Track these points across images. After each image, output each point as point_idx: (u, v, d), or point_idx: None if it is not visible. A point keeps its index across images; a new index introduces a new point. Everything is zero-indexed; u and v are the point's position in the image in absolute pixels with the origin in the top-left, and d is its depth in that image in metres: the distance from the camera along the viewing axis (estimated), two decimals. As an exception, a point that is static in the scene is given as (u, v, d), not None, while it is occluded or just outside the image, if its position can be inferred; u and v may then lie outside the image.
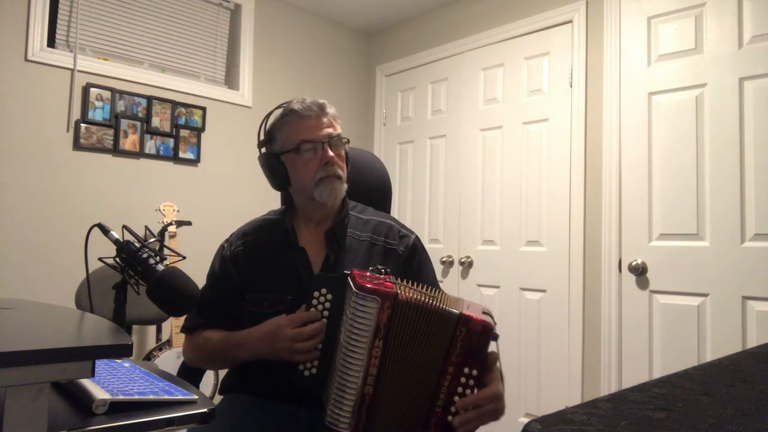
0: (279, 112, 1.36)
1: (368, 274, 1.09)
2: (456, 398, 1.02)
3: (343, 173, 1.32)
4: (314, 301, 1.12)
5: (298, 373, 1.12)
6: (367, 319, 1.01)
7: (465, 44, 3.22)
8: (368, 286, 1.03)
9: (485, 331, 1.03)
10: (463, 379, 1.02)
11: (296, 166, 1.31)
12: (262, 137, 1.38)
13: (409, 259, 1.35)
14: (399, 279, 1.11)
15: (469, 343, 1.02)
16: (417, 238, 1.41)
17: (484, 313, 1.08)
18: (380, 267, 1.13)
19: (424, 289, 1.09)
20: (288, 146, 1.31)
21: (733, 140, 2.19)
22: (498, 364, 1.08)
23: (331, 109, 1.35)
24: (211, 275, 1.37)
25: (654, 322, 2.36)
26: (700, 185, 2.27)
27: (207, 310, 1.32)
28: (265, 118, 1.39)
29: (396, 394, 1.03)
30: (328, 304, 1.11)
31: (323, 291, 1.12)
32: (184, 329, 1.34)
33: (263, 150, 1.37)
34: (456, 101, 3.26)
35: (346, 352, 1.02)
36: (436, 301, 1.05)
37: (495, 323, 1.06)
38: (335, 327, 1.09)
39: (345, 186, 1.33)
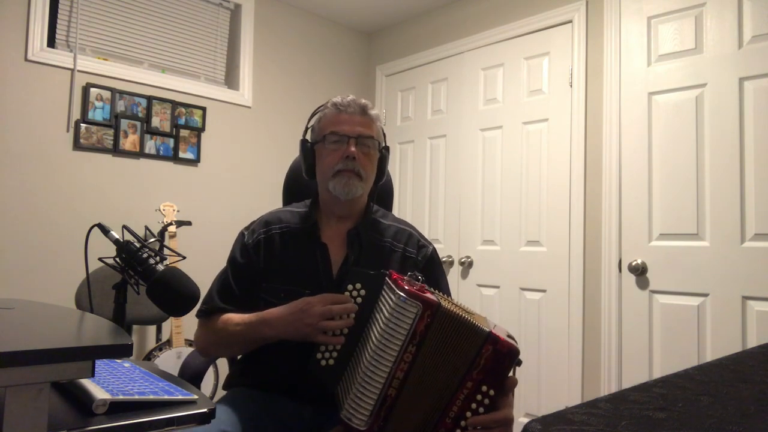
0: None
1: (406, 278, 1.07)
2: (468, 413, 1.02)
3: (364, 172, 1.30)
4: (346, 293, 1.12)
5: (315, 361, 1.11)
6: (405, 323, 1.00)
7: (465, 44, 3.22)
8: (412, 290, 1.01)
9: (511, 354, 1.03)
10: (479, 397, 1.02)
11: (322, 155, 1.33)
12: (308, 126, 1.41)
13: (426, 269, 1.35)
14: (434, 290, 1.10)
15: (492, 363, 1.02)
16: (435, 250, 1.41)
17: (508, 336, 1.07)
18: (417, 274, 1.12)
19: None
20: (318, 136, 1.34)
21: (733, 140, 2.19)
22: (514, 390, 1.08)
23: (373, 112, 1.37)
24: (232, 261, 1.35)
25: (654, 322, 2.36)
26: (700, 185, 2.27)
27: (227, 295, 1.30)
28: (316, 109, 1.40)
29: (415, 400, 1.02)
30: (359, 300, 1.11)
31: (357, 286, 1.12)
32: (201, 313, 1.32)
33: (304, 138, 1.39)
34: (456, 101, 3.25)
35: (378, 351, 1.01)
36: (471, 317, 1.04)
37: (519, 350, 1.05)
38: (362, 324, 1.09)
39: (363, 185, 1.31)
